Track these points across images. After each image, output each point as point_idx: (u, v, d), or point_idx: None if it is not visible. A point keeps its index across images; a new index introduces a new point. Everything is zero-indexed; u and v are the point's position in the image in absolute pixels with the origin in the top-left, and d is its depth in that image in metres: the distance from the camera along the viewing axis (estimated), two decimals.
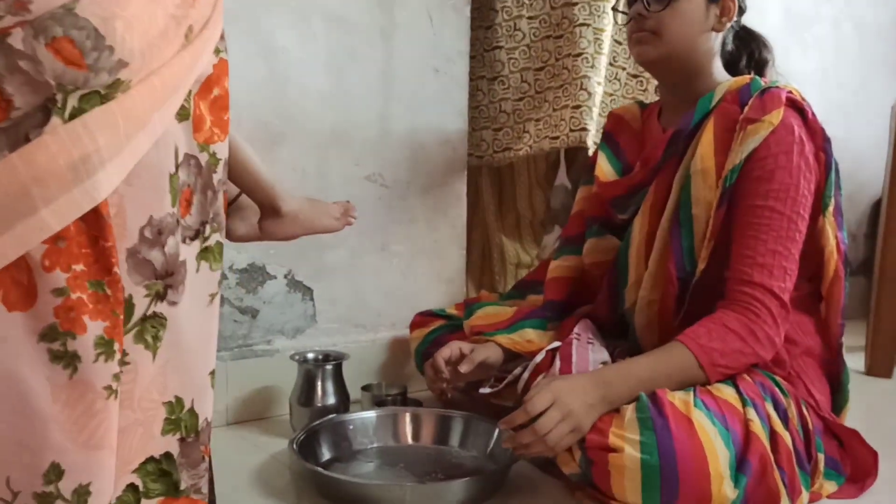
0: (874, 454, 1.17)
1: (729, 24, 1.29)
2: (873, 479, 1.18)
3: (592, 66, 1.71)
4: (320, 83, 1.57)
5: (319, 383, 1.42)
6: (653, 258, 1.26)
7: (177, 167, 0.73)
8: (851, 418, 1.28)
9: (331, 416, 1.36)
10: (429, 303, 1.72)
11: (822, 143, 1.22)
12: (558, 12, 1.74)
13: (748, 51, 1.38)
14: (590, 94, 1.71)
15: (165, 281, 0.72)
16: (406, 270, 1.73)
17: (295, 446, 1.20)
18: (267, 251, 1.53)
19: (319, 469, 1.15)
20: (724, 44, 1.33)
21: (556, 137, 1.74)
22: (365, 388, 1.55)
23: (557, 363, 1.22)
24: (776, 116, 1.17)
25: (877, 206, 2.54)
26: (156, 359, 0.73)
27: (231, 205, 1.11)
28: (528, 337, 1.39)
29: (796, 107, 1.21)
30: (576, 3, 1.71)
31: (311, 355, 1.49)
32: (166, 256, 0.71)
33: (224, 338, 1.50)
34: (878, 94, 2.71)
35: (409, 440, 1.36)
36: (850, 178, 2.74)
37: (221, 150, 0.79)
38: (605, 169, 1.43)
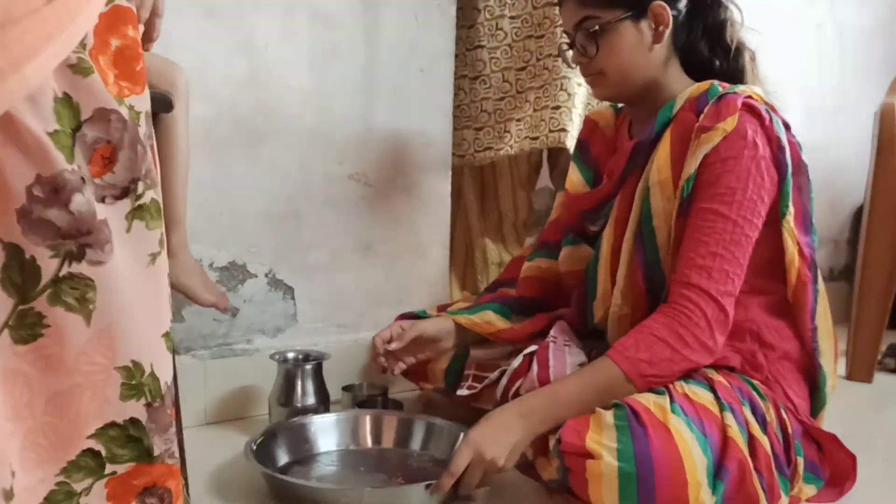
0: (852, 457, 1.18)
1: (667, 31, 1.26)
2: (852, 482, 1.18)
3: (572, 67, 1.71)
4: (303, 80, 1.56)
5: (299, 383, 1.41)
6: (620, 272, 1.25)
7: (78, 124, 0.71)
8: (832, 423, 1.28)
9: (293, 419, 1.34)
10: (411, 303, 1.71)
11: (776, 150, 1.19)
12: (540, 12, 1.73)
13: (703, 19, 1.32)
14: (569, 94, 1.70)
15: (79, 241, 0.70)
16: (388, 270, 1.72)
17: (253, 448, 1.17)
18: (248, 249, 1.51)
19: (273, 473, 1.13)
20: (675, 35, 1.28)
21: (536, 138, 1.73)
22: (346, 389, 1.54)
23: (535, 368, 1.21)
24: (730, 123, 1.16)
25: (859, 212, 2.56)
26: (92, 322, 0.72)
27: None
28: (489, 318, 1.39)
29: (753, 112, 1.19)
30: (557, 3, 1.71)
31: (291, 355, 1.47)
32: (74, 215, 0.70)
33: (203, 336, 1.48)
34: (860, 99, 2.72)
35: (371, 443, 1.34)
36: (832, 183, 2.78)
37: (139, 102, 0.76)
38: (574, 180, 1.43)
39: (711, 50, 1.32)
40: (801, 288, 1.23)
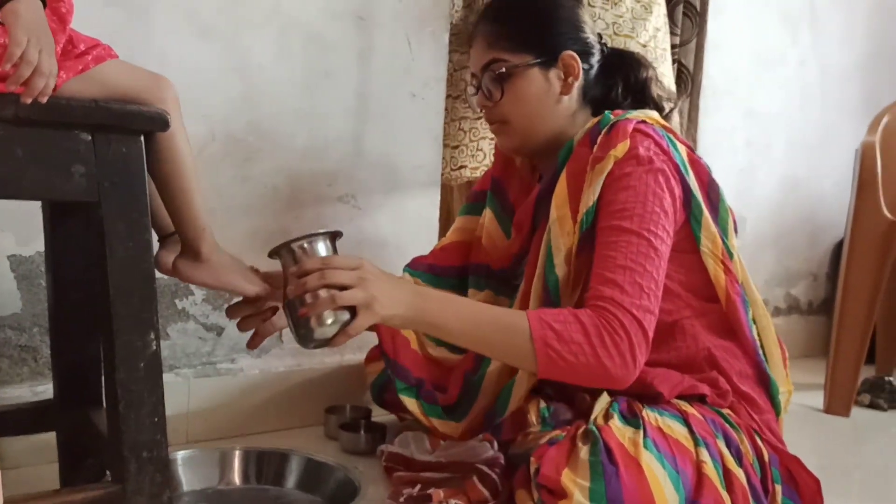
0: (816, 481, 1.17)
1: (576, 83, 1.25)
2: None
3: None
4: (296, 101, 1.56)
5: None
6: None
7: None
8: (810, 456, 1.28)
9: None
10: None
11: (674, 167, 1.17)
12: None
13: (623, 76, 1.32)
14: None
15: None
16: None
17: None
18: None
19: None
20: (586, 89, 1.28)
21: None
22: (329, 411, 1.54)
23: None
24: (621, 149, 1.15)
25: (839, 246, 2.59)
26: None
27: (169, 237, 1.08)
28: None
29: (645, 134, 1.18)
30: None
31: None
32: None
33: (187, 354, 1.48)
34: (841, 135, 2.78)
35: (241, 481, 1.25)
36: (813, 217, 2.82)
37: None
38: (491, 230, 1.38)
39: (638, 105, 1.30)
40: (732, 307, 1.21)
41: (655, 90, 1.32)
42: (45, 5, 0.82)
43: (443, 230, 1.86)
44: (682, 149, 1.22)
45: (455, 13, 1.80)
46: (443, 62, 1.76)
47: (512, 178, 1.41)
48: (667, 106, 1.33)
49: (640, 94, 1.31)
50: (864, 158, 2.01)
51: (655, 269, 1.10)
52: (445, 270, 1.44)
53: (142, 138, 0.89)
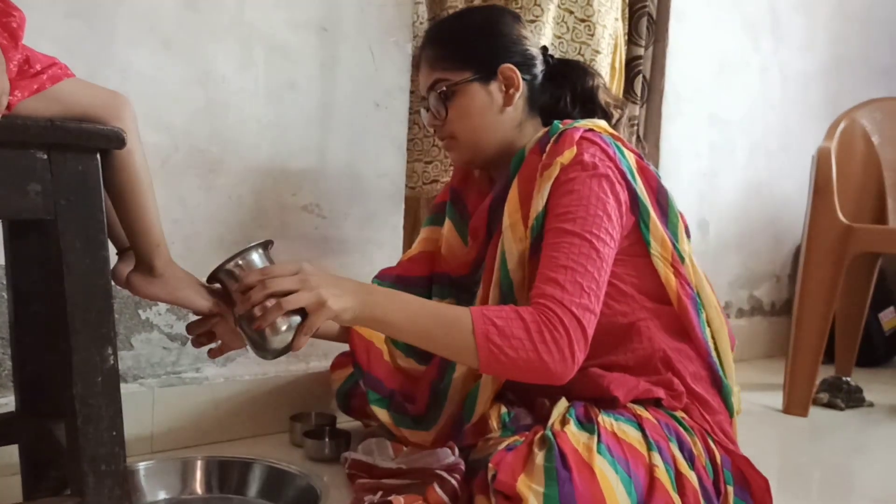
0: (765, 480, 1.20)
1: (518, 94, 1.27)
2: None
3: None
4: (259, 112, 1.58)
5: None
6: None
7: None
8: (767, 455, 1.31)
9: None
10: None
11: (620, 174, 1.20)
12: None
13: (570, 86, 1.35)
14: None
15: None
16: None
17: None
18: (200, 277, 1.52)
19: None
20: (532, 99, 1.31)
21: None
22: (294, 419, 1.55)
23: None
24: (567, 156, 1.18)
25: (799, 249, 2.64)
26: None
27: (127, 251, 1.08)
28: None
29: (591, 141, 1.21)
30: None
31: None
32: None
33: (152, 364, 1.48)
34: (803, 139, 2.83)
35: (203, 490, 1.27)
36: (775, 220, 2.88)
37: None
38: (450, 240, 1.40)
39: (587, 114, 1.33)
40: (683, 309, 1.25)
41: (603, 97, 1.36)
42: None
43: (410, 241, 1.88)
44: (631, 156, 1.26)
45: (419, 24, 1.82)
46: (406, 71, 1.78)
47: (470, 188, 1.44)
48: (615, 113, 1.36)
49: (589, 103, 1.35)
50: (821, 164, 2.06)
51: (597, 270, 1.12)
52: (413, 280, 1.46)
53: (98, 156, 0.90)
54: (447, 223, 1.43)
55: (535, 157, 1.24)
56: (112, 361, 0.91)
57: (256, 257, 1.08)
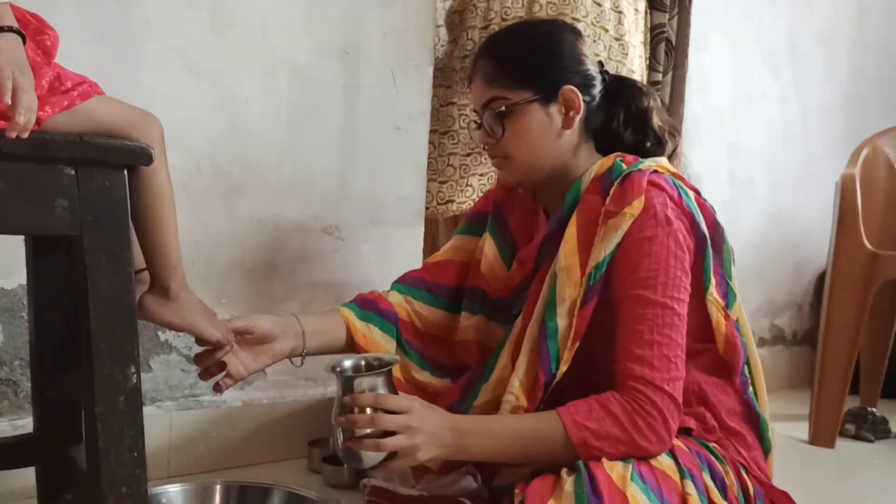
0: None
1: (578, 117, 1.22)
2: None
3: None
4: (281, 135, 1.58)
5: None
6: (520, 361, 1.18)
7: None
8: (794, 488, 1.29)
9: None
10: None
11: (689, 222, 1.17)
12: None
13: (624, 105, 1.29)
14: None
15: None
16: None
17: None
18: (218, 299, 1.51)
19: None
20: (588, 120, 1.26)
21: None
22: (312, 444, 1.53)
23: None
24: (637, 207, 1.13)
25: (822, 277, 2.61)
26: None
27: (139, 273, 1.05)
28: (375, 336, 1.33)
29: (659, 188, 1.17)
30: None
31: (348, 363, 1.15)
32: None
33: (170, 387, 1.47)
34: (825, 168, 2.80)
35: None
36: (797, 249, 2.85)
37: None
38: (490, 257, 1.35)
39: (639, 136, 1.29)
40: (730, 348, 1.22)
41: (657, 120, 1.30)
42: (24, 40, 0.83)
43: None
44: (692, 195, 1.22)
45: (440, 48, 1.83)
46: (427, 95, 1.78)
47: (513, 206, 1.38)
48: (670, 141, 1.31)
49: (642, 124, 1.29)
50: (845, 190, 2.03)
51: (680, 336, 1.13)
52: (439, 288, 1.40)
53: (125, 172, 0.90)
54: (488, 239, 1.37)
55: (596, 197, 1.19)
56: (135, 380, 0.90)
57: (380, 382, 1.09)
